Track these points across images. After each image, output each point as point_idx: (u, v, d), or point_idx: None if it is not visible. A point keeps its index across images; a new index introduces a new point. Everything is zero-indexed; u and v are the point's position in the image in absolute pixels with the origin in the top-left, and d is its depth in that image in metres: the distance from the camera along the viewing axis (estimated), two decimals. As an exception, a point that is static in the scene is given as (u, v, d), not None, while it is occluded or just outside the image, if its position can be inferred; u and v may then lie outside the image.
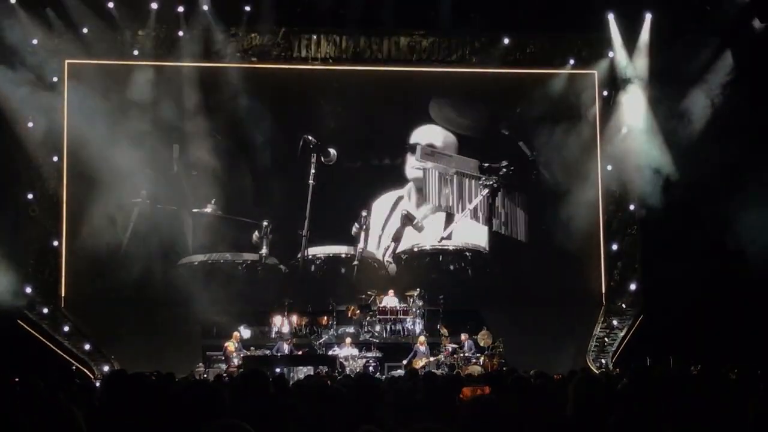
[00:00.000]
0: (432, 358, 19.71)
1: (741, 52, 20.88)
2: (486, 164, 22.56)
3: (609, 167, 22.40)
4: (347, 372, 17.77)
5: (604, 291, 22.46)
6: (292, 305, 21.05)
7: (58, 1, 20.16)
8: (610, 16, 21.76)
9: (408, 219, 22.51)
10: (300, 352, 19.72)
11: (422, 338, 20.20)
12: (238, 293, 20.30)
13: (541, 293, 21.42)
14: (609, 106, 22.63)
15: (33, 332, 20.12)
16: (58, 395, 6.11)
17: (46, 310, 20.66)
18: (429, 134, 22.81)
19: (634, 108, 22.08)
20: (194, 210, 21.32)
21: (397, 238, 22.52)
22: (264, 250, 21.41)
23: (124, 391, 5.47)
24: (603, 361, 21.12)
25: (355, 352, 19.63)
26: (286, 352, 19.32)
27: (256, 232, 21.46)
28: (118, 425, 5.12)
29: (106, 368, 19.53)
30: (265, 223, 21.39)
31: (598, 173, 22.37)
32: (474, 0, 21.70)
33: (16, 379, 14.53)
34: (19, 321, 20.05)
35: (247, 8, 21.15)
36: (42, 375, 15.73)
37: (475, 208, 22.65)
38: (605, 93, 22.61)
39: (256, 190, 21.51)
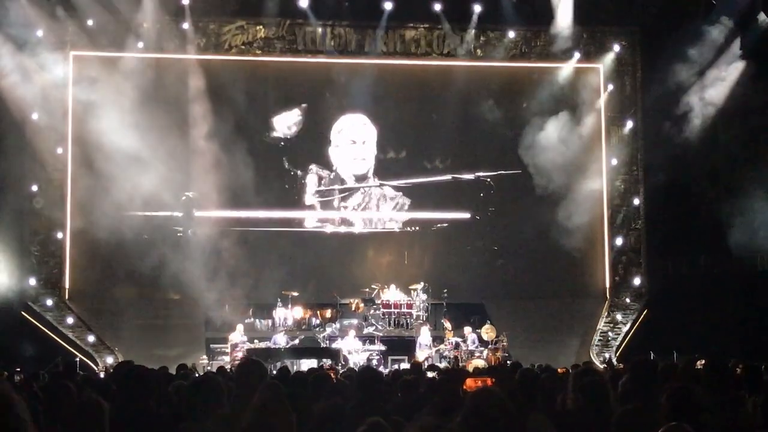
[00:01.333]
0: (434, 351, 19.69)
1: (748, 45, 20.81)
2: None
3: (614, 161, 22.40)
4: (351, 365, 17.76)
5: (608, 285, 22.45)
6: (296, 298, 21.05)
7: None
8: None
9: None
10: (296, 341, 19.67)
11: (425, 331, 20.18)
12: (241, 284, 20.30)
13: (545, 287, 21.41)
14: (614, 100, 22.62)
15: (37, 324, 20.14)
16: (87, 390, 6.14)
17: (50, 302, 20.70)
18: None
19: (639, 102, 22.07)
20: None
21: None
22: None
23: (131, 381, 5.49)
24: (607, 355, 21.11)
25: (358, 345, 19.62)
26: (282, 343, 19.29)
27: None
28: (123, 414, 5.12)
29: (109, 360, 19.56)
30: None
31: (603, 167, 22.34)
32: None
33: (18, 369, 14.65)
34: (23, 313, 20.08)
35: (252, 1, 21.13)
36: (46, 366, 15.86)
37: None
38: (610, 87, 22.59)
39: (257, 180, 21.45)
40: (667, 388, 4.35)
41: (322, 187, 22.69)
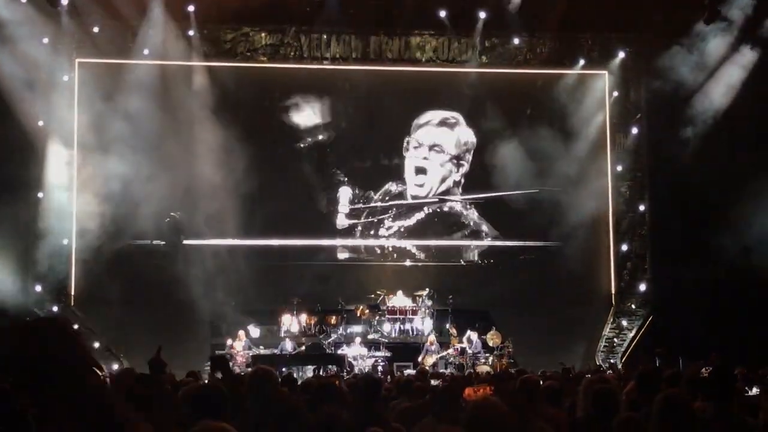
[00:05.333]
0: (439, 356, 19.67)
1: (755, 46, 20.81)
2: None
3: (619, 167, 22.36)
4: (356, 371, 17.76)
5: (613, 291, 22.42)
6: (301, 304, 21.04)
7: (69, 0, 20.21)
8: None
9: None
10: (302, 348, 19.68)
11: (432, 337, 20.16)
12: (246, 291, 20.30)
13: (550, 294, 21.37)
14: (619, 106, 22.59)
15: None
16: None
17: (55, 309, 20.72)
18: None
19: (644, 108, 22.05)
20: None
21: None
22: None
23: (133, 389, 5.49)
24: (612, 361, 21.07)
25: (364, 351, 19.61)
26: (290, 350, 19.30)
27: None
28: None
29: (115, 367, 19.55)
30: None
31: (608, 174, 22.31)
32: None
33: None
34: (28, 320, 20.07)
35: (257, 8, 21.13)
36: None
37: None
38: (615, 93, 22.55)
39: (262, 189, 21.37)
40: (659, 397, 4.33)
41: (360, 204, 22.48)
